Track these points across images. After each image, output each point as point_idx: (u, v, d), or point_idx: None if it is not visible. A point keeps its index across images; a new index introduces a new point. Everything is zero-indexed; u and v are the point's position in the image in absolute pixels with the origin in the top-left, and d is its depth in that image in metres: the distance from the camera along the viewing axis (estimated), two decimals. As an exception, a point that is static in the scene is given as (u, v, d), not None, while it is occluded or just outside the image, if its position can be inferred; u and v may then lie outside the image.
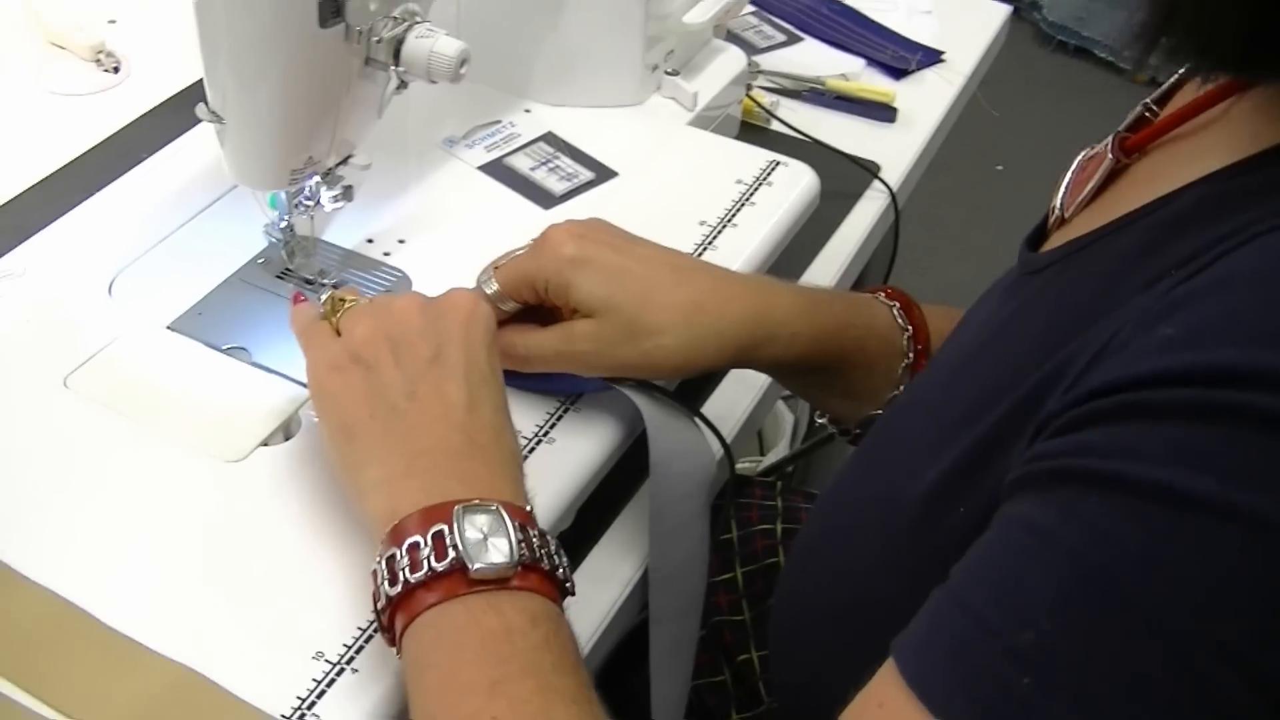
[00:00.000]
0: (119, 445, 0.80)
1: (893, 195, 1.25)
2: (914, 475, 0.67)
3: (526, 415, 0.84)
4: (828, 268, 1.15)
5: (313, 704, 0.68)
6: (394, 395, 0.72)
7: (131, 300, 0.90)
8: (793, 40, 1.46)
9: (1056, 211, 0.74)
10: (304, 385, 0.79)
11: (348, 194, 0.89)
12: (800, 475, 1.59)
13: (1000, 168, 3.13)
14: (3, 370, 0.84)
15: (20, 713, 0.67)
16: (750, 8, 1.46)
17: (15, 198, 1.03)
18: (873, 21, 1.49)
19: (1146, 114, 0.73)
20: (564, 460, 0.82)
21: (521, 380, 0.84)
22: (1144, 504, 0.49)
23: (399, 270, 0.94)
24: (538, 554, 0.66)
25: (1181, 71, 0.73)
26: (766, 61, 1.39)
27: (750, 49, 1.40)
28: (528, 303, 0.83)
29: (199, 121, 1.03)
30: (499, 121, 1.09)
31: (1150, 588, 0.48)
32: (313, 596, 0.72)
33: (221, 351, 0.87)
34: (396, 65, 0.82)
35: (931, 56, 1.45)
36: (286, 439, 0.82)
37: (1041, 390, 0.59)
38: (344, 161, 0.87)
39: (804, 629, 0.79)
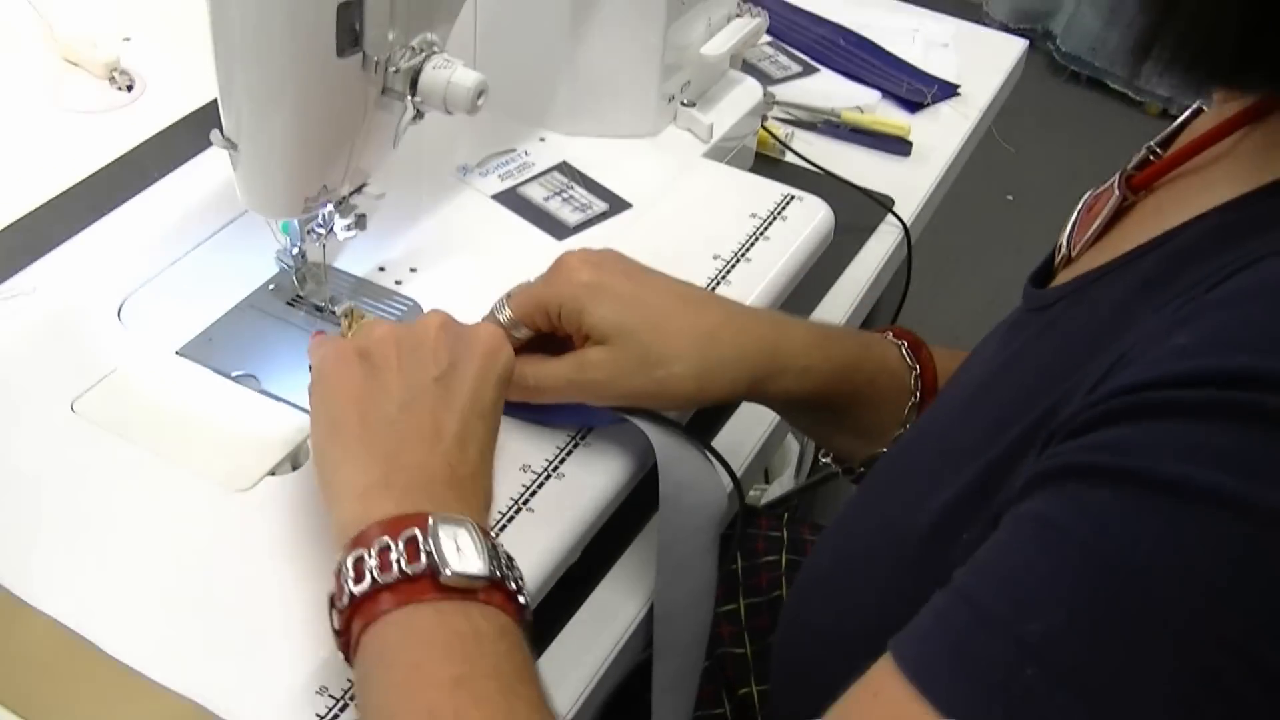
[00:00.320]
0: (126, 472, 0.79)
1: (906, 230, 1.24)
2: (921, 505, 0.67)
3: (536, 449, 0.83)
4: (840, 303, 1.15)
5: (316, 740, 0.67)
6: (389, 403, 0.71)
7: (141, 324, 0.89)
8: (808, 71, 1.45)
9: (1063, 250, 0.74)
10: (312, 414, 0.78)
11: (361, 223, 0.88)
12: (805, 509, 1.58)
13: (1010, 198, 3.12)
14: (10, 392, 0.83)
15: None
16: (766, 38, 1.46)
17: (26, 215, 1.02)
18: (889, 54, 1.49)
19: (1151, 156, 0.74)
20: (574, 495, 0.82)
21: (530, 412, 0.84)
22: (1157, 498, 0.49)
23: (410, 299, 0.94)
24: (506, 573, 0.66)
25: (1187, 114, 0.73)
26: (782, 92, 1.39)
27: (766, 79, 1.40)
28: (540, 330, 0.83)
29: (210, 142, 1.04)
30: (513, 150, 1.09)
31: (1162, 581, 0.48)
32: (319, 630, 0.71)
33: (231, 378, 0.86)
34: (413, 95, 0.81)
35: (948, 90, 1.45)
36: (294, 469, 0.81)
37: (1051, 413, 0.59)
38: (358, 190, 0.87)
39: (808, 660, 0.78)
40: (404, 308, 0.93)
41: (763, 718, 1.03)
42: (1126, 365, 0.55)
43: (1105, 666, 0.49)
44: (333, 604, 0.66)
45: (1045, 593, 0.51)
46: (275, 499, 0.79)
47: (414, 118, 0.83)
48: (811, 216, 1.06)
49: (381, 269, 0.96)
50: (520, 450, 0.83)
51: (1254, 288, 0.53)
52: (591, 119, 1.11)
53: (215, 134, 0.82)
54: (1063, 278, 0.72)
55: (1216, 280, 0.55)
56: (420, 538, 0.64)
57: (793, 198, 1.07)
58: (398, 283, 0.95)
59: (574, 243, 1.01)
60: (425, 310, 0.92)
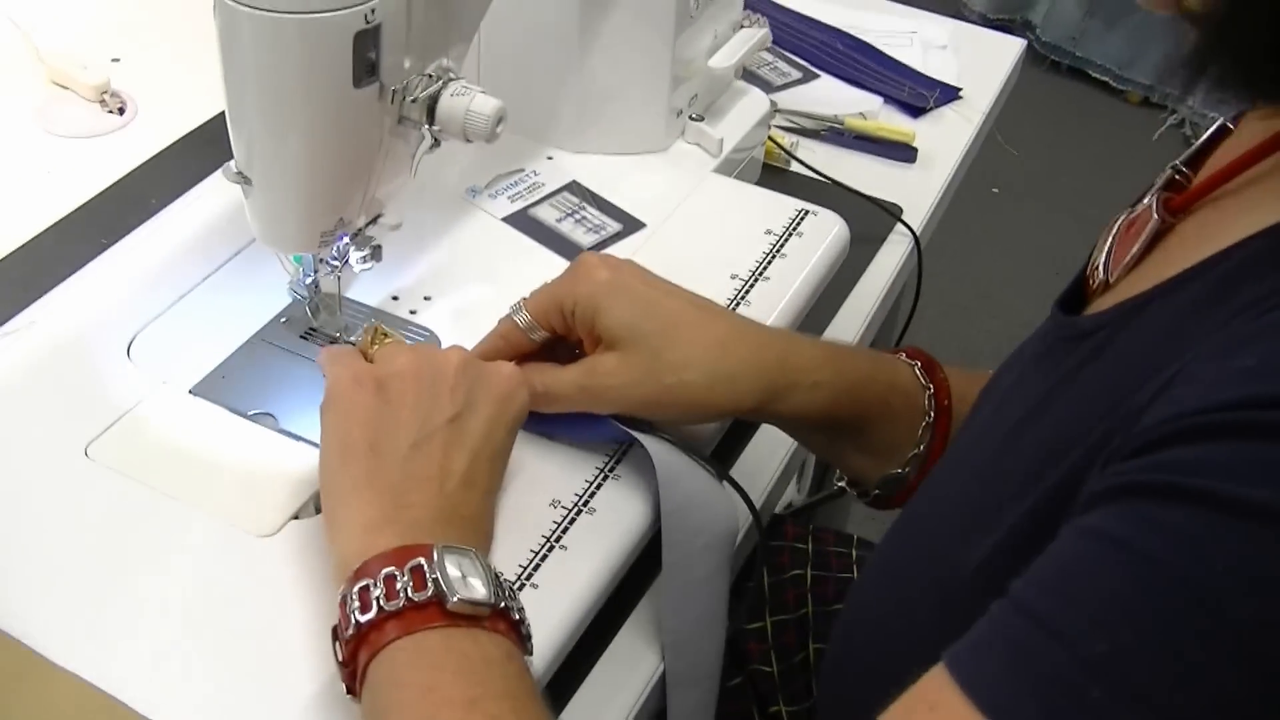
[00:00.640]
0: (145, 519, 0.77)
1: (916, 240, 1.23)
2: (968, 545, 0.66)
3: (565, 484, 0.82)
4: (855, 317, 1.13)
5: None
6: (401, 439, 0.71)
7: (151, 363, 0.87)
8: (809, 77, 1.43)
9: (1100, 275, 0.73)
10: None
11: (376, 254, 0.86)
12: (824, 517, 1.56)
13: (996, 190, 3.12)
14: (21, 437, 0.81)
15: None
16: (765, 44, 1.44)
17: (21, 246, 1.00)
18: (889, 58, 1.47)
19: (1177, 175, 0.73)
20: (606, 529, 0.80)
21: (538, 425, 0.82)
22: (1234, 519, 0.48)
23: (426, 329, 0.91)
24: (509, 603, 0.66)
25: (1211, 131, 0.73)
26: (783, 100, 1.37)
27: (766, 87, 1.38)
28: (555, 331, 0.83)
29: (211, 164, 1.01)
30: (521, 170, 1.07)
31: (1238, 602, 0.48)
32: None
33: (247, 418, 0.84)
34: (430, 124, 0.79)
35: (950, 93, 1.43)
36: (318, 511, 0.79)
37: (1105, 439, 0.58)
38: (373, 221, 0.85)
39: (856, 708, 0.77)
40: (421, 337, 0.91)
41: None
42: (1184, 384, 0.54)
43: (1175, 689, 0.48)
44: (336, 635, 0.66)
45: (1112, 611, 0.50)
46: (301, 543, 0.76)
47: (431, 146, 0.81)
48: (827, 231, 1.04)
49: (395, 298, 0.94)
50: (549, 486, 0.81)
51: None
52: (599, 136, 1.09)
53: (227, 168, 0.79)
54: (1101, 303, 0.71)
55: (1276, 303, 0.54)
56: (426, 566, 0.64)
57: (807, 212, 1.05)
58: (412, 312, 0.93)
59: (589, 265, 0.98)
60: (442, 340, 0.90)
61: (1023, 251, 2.99)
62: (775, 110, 1.32)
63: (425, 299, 0.94)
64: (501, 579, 0.67)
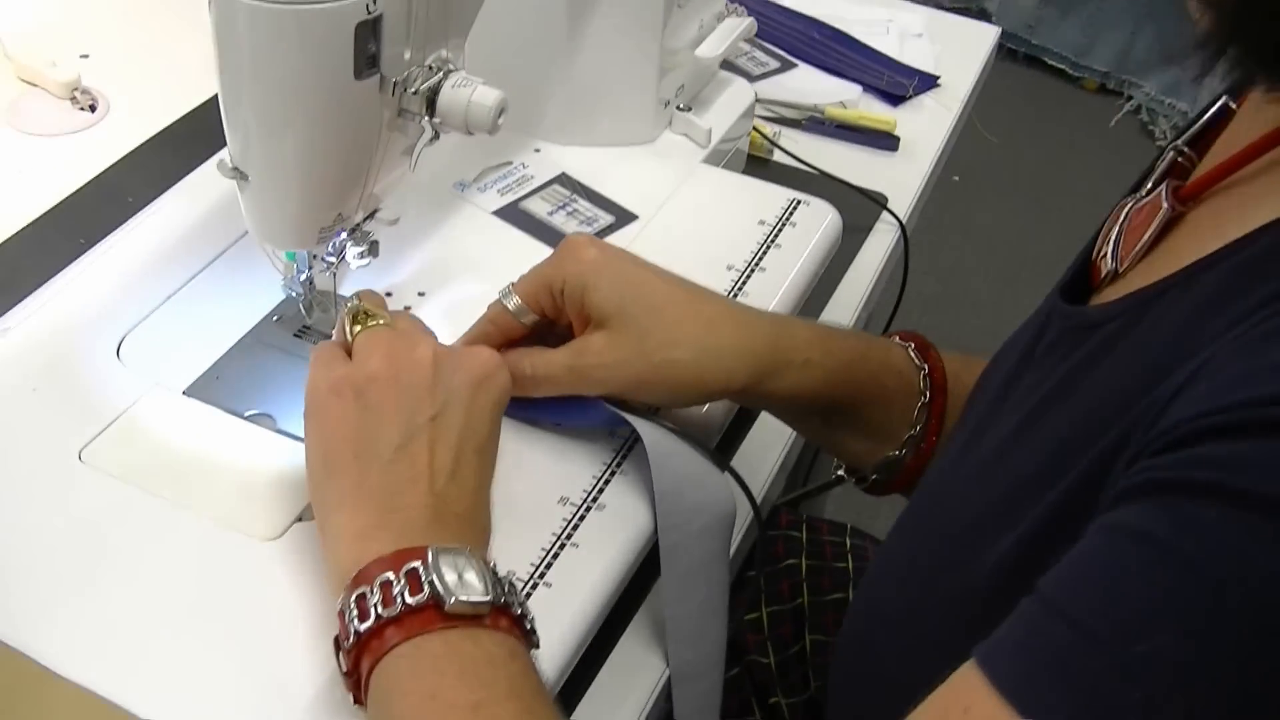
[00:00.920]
0: (145, 524, 0.75)
1: (903, 227, 1.22)
2: (984, 541, 0.65)
3: (573, 481, 0.81)
4: (846, 307, 1.13)
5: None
6: (384, 444, 0.70)
7: (143, 364, 0.85)
8: (786, 67, 1.43)
9: (1108, 265, 0.72)
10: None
11: (374, 249, 0.85)
12: (816, 506, 1.56)
13: (956, 178, 3.12)
14: (13, 443, 0.79)
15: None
16: (743, 34, 1.43)
17: (-4, 247, 0.97)
18: (866, 46, 1.47)
19: (1179, 158, 0.72)
20: (617, 525, 0.79)
21: (528, 410, 0.81)
22: (1271, 519, 0.48)
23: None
24: (509, 599, 0.65)
25: (1214, 111, 0.72)
26: (762, 90, 1.36)
27: (745, 77, 1.36)
28: (544, 314, 0.82)
29: (187, 161, 0.99)
30: (510, 163, 1.05)
31: (1278, 605, 0.47)
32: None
33: (244, 419, 0.82)
34: (431, 116, 0.78)
35: (928, 81, 1.43)
36: (322, 514, 0.77)
37: (1126, 436, 0.57)
38: (370, 216, 0.83)
39: (870, 704, 0.76)
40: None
41: None
42: (1212, 378, 0.53)
43: (1216, 691, 0.47)
44: (338, 645, 0.65)
45: (1149, 612, 0.49)
46: (306, 546, 0.75)
47: (431, 139, 0.79)
48: (820, 221, 1.03)
49: (389, 294, 0.92)
50: (557, 483, 0.80)
51: None
52: (587, 127, 1.08)
53: (222, 163, 0.77)
54: (1111, 294, 0.70)
55: None
56: (421, 569, 0.63)
57: (799, 202, 1.04)
58: (407, 308, 0.91)
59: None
60: (439, 339, 0.88)
61: (986, 238, 2.99)
62: (755, 100, 1.32)
63: (419, 294, 0.93)
64: (500, 575, 0.66)
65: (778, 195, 1.05)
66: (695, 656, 0.82)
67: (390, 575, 0.63)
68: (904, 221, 1.23)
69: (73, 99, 1.14)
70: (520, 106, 1.05)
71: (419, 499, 0.69)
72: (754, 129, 1.25)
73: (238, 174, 0.76)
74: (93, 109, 1.14)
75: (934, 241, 2.87)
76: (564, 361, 0.80)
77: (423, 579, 0.63)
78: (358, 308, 0.76)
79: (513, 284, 0.83)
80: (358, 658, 0.64)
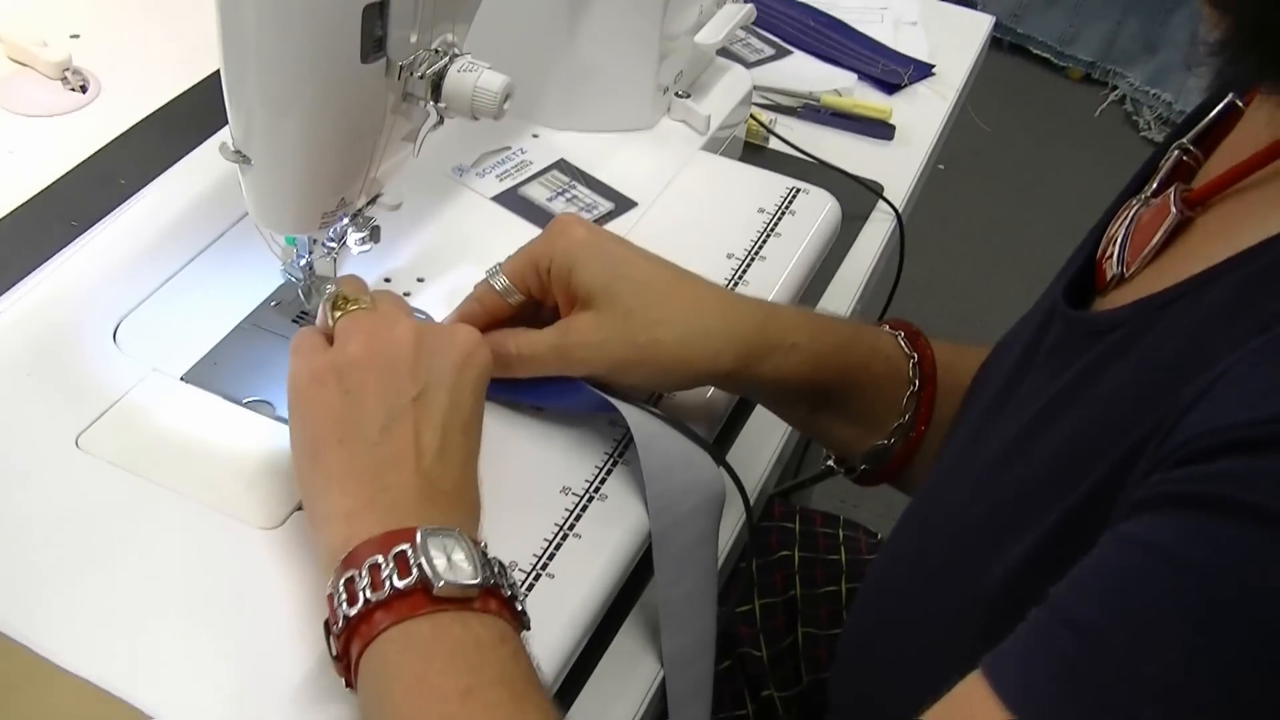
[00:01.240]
0: (143, 513, 0.74)
1: (899, 216, 1.22)
2: (993, 550, 0.64)
3: (575, 471, 0.80)
4: (843, 296, 1.12)
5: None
6: (368, 426, 0.69)
7: (140, 349, 0.84)
8: (781, 54, 1.42)
9: (1114, 268, 0.70)
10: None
11: (375, 235, 0.84)
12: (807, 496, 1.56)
13: (942, 166, 3.12)
14: (9, 429, 0.77)
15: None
16: (738, 19, 1.42)
17: (-13, 230, 0.96)
18: (861, 34, 1.46)
19: (1185, 156, 0.71)
20: (619, 515, 0.79)
21: (511, 391, 0.81)
22: None
23: (422, 312, 0.89)
24: (498, 580, 0.65)
25: (1220, 108, 0.71)
26: (757, 76, 1.35)
27: (741, 62, 1.36)
28: (530, 294, 0.82)
29: (180, 142, 0.98)
30: (508, 148, 1.05)
31: None
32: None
33: (243, 405, 0.81)
34: (436, 101, 0.77)
35: (923, 70, 1.42)
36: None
37: (1140, 447, 0.56)
38: (372, 201, 0.82)
39: (874, 707, 0.76)
40: (418, 318, 0.88)
41: None
42: (1229, 390, 0.52)
43: (1226, 706, 0.47)
44: (328, 629, 0.65)
45: (1162, 628, 0.48)
46: (306, 536, 0.74)
47: (436, 124, 0.78)
48: (820, 209, 1.03)
49: (387, 280, 0.91)
50: (559, 473, 0.79)
51: None
52: (585, 112, 1.07)
53: (223, 146, 0.76)
54: (1117, 299, 0.69)
55: None
56: (410, 552, 0.63)
57: (798, 190, 1.04)
58: (406, 294, 0.91)
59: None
60: (436, 320, 0.88)
61: (974, 227, 2.99)
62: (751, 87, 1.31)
63: (418, 280, 0.92)
64: (490, 557, 0.66)
65: (777, 183, 1.04)
66: (688, 642, 0.82)
67: (379, 558, 0.63)
68: (900, 210, 1.22)
69: (63, 79, 1.13)
70: (519, 91, 1.04)
71: (406, 478, 0.68)
72: (751, 116, 1.24)
73: (240, 157, 0.75)
74: (84, 90, 1.13)
75: (927, 230, 2.87)
76: (549, 341, 0.79)
77: (411, 561, 0.63)
78: (337, 294, 0.75)
79: (500, 264, 0.83)
80: (347, 642, 0.63)
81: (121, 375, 0.82)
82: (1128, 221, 0.71)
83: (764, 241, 0.98)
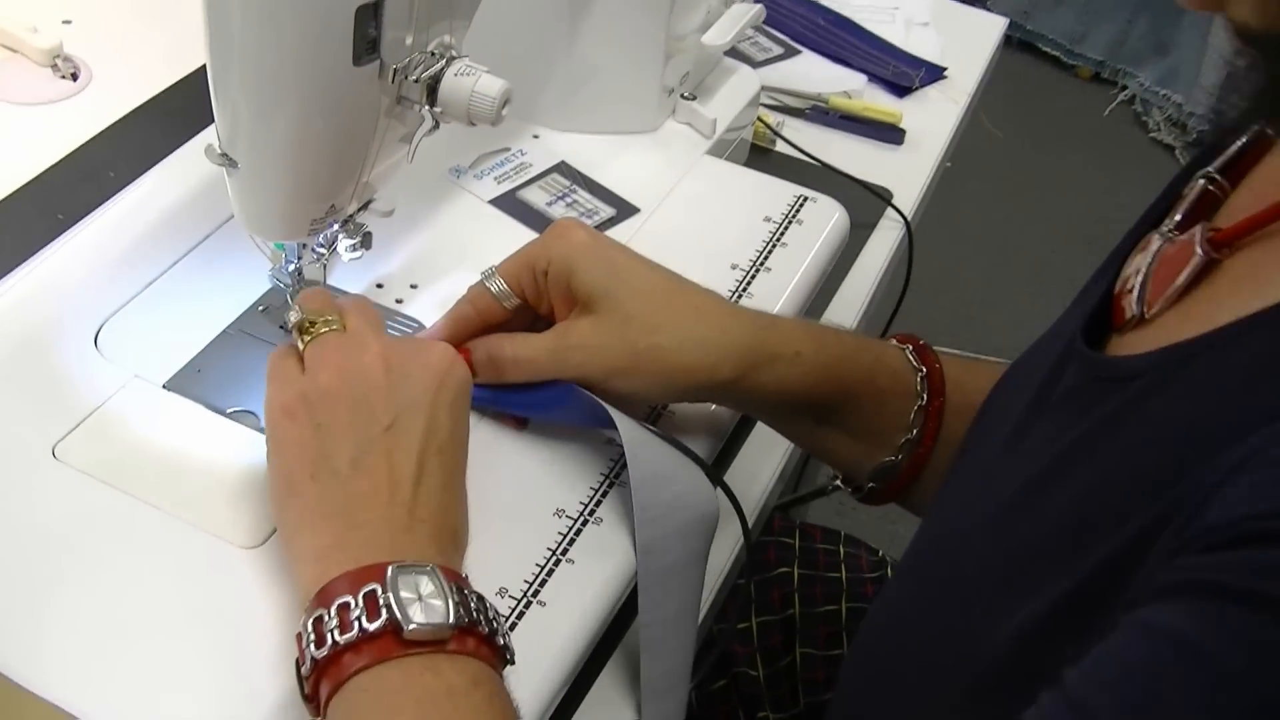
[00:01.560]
0: (120, 529, 0.71)
1: (908, 225, 1.19)
2: (996, 611, 0.61)
3: (569, 493, 0.77)
4: (849, 307, 1.10)
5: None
6: (339, 460, 0.66)
7: (121, 354, 0.81)
8: (790, 53, 1.39)
9: (1133, 308, 0.66)
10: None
11: (367, 241, 0.81)
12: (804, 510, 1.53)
13: (949, 164, 3.09)
14: (-19, 437, 0.74)
15: None
16: (746, 18, 1.39)
17: (-31, 223, 0.93)
18: (871, 35, 1.43)
19: (1210, 185, 0.67)
20: (614, 541, 0.76)
21: (505, 400, 0.78)
22: None
23: (415, 321, 0.86)
24: (475, 617, 0.62)
25: (1248, 138, 0.67)
26: (765, 76, 1.32)
27: (749, 62, 1.33)
28: (525, 297, 0.79)
29: (172, 135, 0.95)
30: (507, 149, 1.01)
31: None
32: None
33: (226, 415, 0.78)
34: (431, 106, 0.74)
35: (935, 73, 1.39)
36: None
37: (1164, 519, 0.53)
38: (364, 207, 0.79)
39: None
40: (409, 330, 0.85)
41: None
42: (1263, 470, 0.49)
43: None
44: (298, 668, 0.62)
45: None
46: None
47: (431, 129, 0.75)
48: (827, 218, 1.00)
49: (380, 285, 0.88)
50: (552, 495, 0.77)
51: None
52: (588, 114, 1.04)
53: (209, 148, 0.74)
54: (1138, 342, 0.64)
55: None
56: (379, 591, 0.60)
57: (806, 199, 1.01)
58: (399, 301, 0.88)
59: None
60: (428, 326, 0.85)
61: (981, 231, 2.96)
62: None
63: (411, 287, 0.89)
64: (467, 591, 0.63)
65: (784, 191, 1.01)
66: (666, 669, 0.78)
67: (348, 598, 0.60)
68: (909, 219, 1.19)
69: (53, 67, 1.10)
70: (519, 91, 1.01)
71: (379, 513, 0.65)
72: (757, 118, 1.21)
73: (226, 160, 0.72)
74: (74, 78, 1.10)
75: (932, 232, 2.84)
76: (546, 345, 0.77)
77: (380, 602, 0.60)
78: (302, 319, 0.72)
79: (494, 266, 0.80)
80: (316, 683, 0.61)
81: (102, 382, 0.79)
82: (1149, 259, 0.67)
83: (769, 252, 0.95)
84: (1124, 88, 3.51)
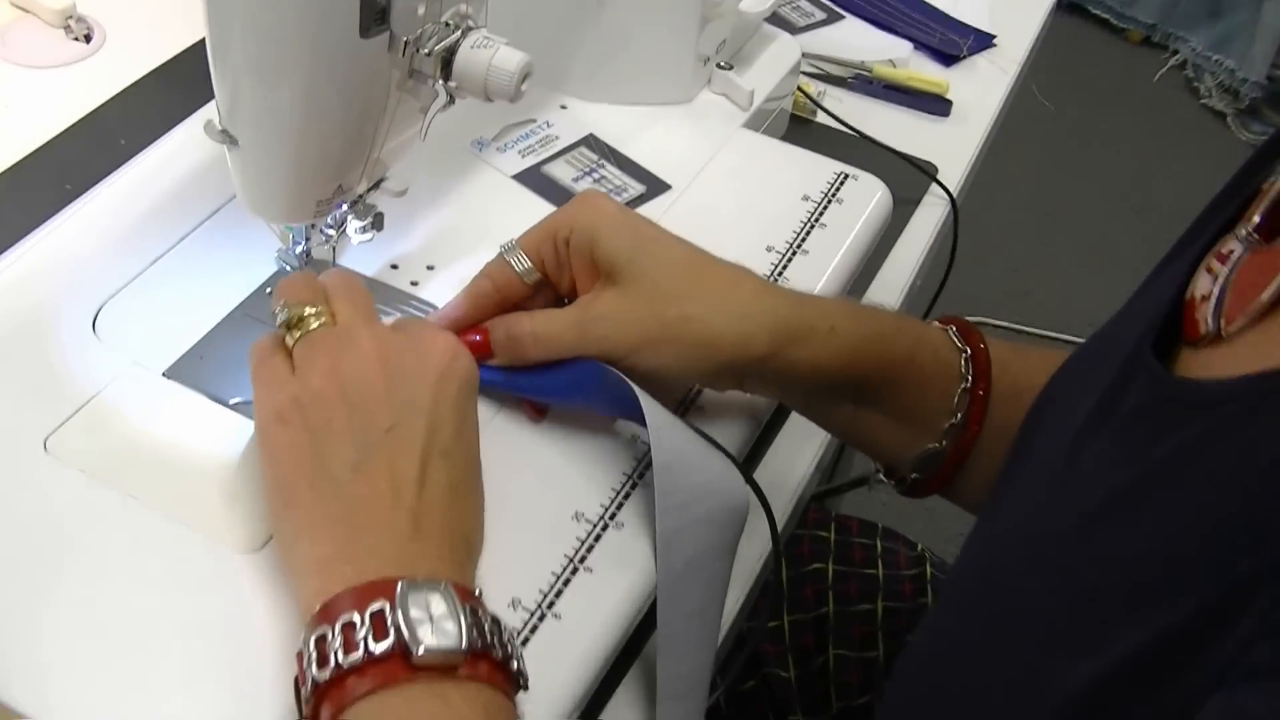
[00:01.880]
0: (112, 528, 0.67)
1: (953, 201, 1.13)
2: (1061, 658, 0.55)
3: (589, 495, 0.73)
4: (891, 288, 1.04)
5: None
6: (337, 465, 0.62)
7: (120, 339, 0.77)
8: (833, 18, 1.33)
9: (1208, 324, 0.59)
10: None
11: (378, 222, 0.76)
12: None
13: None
14: (-31, 428, 0.70)
15: None
16: (787, -20, 1.34)
17: (-23, 191, 0.89)
18: (918, 0, 1.37)
19: None
20: (637, 547, 0.71)
21: (522, 384, 0.74)
22: None
23: (430, 305, 0.81)
24: (489, 640, 0.58)
25: None
26: (806, 43, 1.26)
27: (789, 27, 1.28)
28: (546, 270, 0.75)
29: (188, 100, 0.90)
30: (533, 120, 0.96)
31: None
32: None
33: (229, 407, 0.74)
34: (446, 80, 0.69)
35: (983, 40, 1.33)
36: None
37: (1260, 580, 0.47)
38: (375, 186, 0.74)
39: None
40: (423, 314, 0.81)
41: None
42: None
43: None
44: (297, 688, 0.58)
45: None
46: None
47: (446, 104, 0.70)
48: (869, 198, 0.94)
49: (394, 266, 0.84)
50: (570, 496, 0.72)
51: None
52: (618, 84, 0.99)
53: (209, 124, 0.69)
54: (1217, 363, 0.58)
55: None
56: (388, 610, 0.56)
57: (847, 176, 0.95)
58: (414, 284, 0.83)
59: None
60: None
61: (1021, 198, 2.89)
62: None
63: (428, 268, 0.84)
64: (480, 614, 0.58)
65: (823, 168, 0.96)
66: (685, 670, 0.73)
67: (354, 616, 0.56)
68: (954, 195, 1.14)
69: (66, 28, 1.06)
70: (546, 59, 0.96)
71: (383, 519, 0.61)
72: (798, 87, 1.16)
73: (226, 137, 0.68)
74: (88, 39, 1.06)
75: (975, 203, 2.78)
76: (568, 318, 0.72)
77: (388, 622, 0.56)
78: (289, 317, 0.67)
79: (515, 239, 0.76)
80: (316, 707, 0.57)
81: (99, 369, 0.75)
82: (1229, 267, 0.60)
83: (807, 233, 0.90)
84: (1175, 52, 3.42)
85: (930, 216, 1.12)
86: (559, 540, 0.70)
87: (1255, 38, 3.19)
